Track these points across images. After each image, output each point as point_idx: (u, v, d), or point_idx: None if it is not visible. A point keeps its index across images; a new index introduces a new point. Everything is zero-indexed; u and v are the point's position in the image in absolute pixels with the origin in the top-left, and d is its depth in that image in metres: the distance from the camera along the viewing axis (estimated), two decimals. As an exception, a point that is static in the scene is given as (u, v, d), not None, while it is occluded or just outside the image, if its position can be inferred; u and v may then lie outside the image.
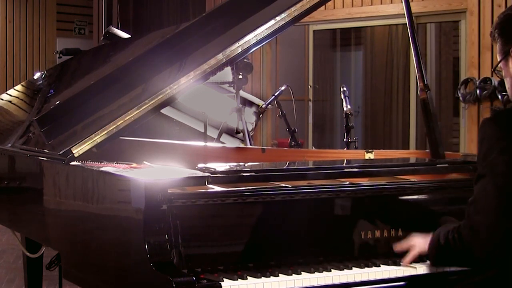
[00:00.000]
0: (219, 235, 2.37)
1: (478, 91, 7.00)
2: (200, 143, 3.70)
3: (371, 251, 2.50)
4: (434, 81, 8.63)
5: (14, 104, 4.18)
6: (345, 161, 3.25)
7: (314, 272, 2.31)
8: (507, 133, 2.01)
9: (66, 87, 3.86)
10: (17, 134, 3.52)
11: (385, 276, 2.37)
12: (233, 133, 4.36)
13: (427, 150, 3.14)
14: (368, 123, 9.75)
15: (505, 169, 1.98)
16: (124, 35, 4.55)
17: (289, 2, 2.74)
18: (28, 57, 11.63)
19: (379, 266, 2.40)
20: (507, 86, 2.19)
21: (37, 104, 3.81)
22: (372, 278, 2.35)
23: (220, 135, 4.23)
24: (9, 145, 3.51)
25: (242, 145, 4.18)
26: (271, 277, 2.25)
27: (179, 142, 3.76)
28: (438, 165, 2.82)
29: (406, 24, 3.07)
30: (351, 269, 2.35)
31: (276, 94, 4.57)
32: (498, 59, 2.19)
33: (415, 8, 7.47)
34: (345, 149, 4.37)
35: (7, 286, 5.68)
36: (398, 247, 2.44)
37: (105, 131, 2.67)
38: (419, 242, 2.38)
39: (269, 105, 4.57)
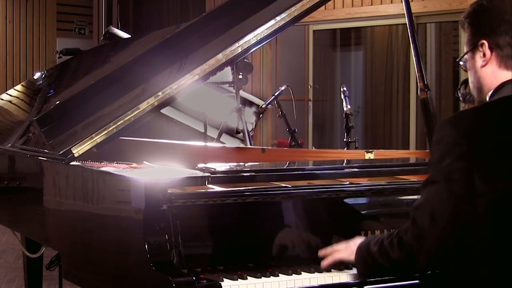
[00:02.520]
0: (219, 235, 2.37)
1: (478, 91, 6.99)
2: (200, 143, 3.70)
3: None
4: (434, 81, 8.63)
5: (14, 104, 4.18)
6: (345, 161, 3.25)
7: (314, 272, 2.31)
8: (467, 138, 1.88)
9: (66, 87, 3.86)
10: (17, 134, 3.52)
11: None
12: (233, 133, 4.36)
13: (427, 150, 3.14)
14: (368, 123, 9.75)
15: (462, 176, 1.86)
16: (124, 35, 4.55)
17: (289, 2, 2.74)
18: (28, 57, 11.63)
19: (379, 266, 2.40)
20: (470, 79, 2.07)
21: (37, 104, 3.81)
22: (372, 278, 2.35)
23: (220, 135, 4.23)
24: (9, 145, 3.51)
25: (242, 145, 4.17)
26: (271, 277, 2.25)
27: (179, 142, 3.75)
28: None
29: (406, 24, 3.07)
30: (351, 269, 2.34)
31: (276, 94, 4.57)
32: (465, 50, 2.06)
33: (415, 8, 7.47)
34: (345, 149, 4.37)
35: (7, 286, 5.68)
36: (322, 252, 2.33)
37: (105, 131, 2.67)
38: (344, 248, 2.28)
39: (269, 105, 4.56)
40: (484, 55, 2.00)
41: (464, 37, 2.11)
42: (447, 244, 1.94)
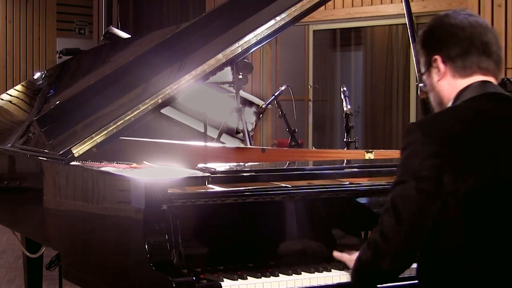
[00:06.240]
0: (219, 235, 2.37)
1: (478, 91, 6.99)
2: (200, 143, 3.70)
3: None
4: (434, 81, 8.62)
5: (14, 104, 4.18)
6: (345, 161, 3.25)
7: (314, 272, 2.31)
8: (434, 138, 1.93)
9: (66, 87, 3.86)
10: (17, 134, 3.52)
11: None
12: (233, 133, 4.36)
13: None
14: (368, 123, 9.75)
15: (431, 174, 1.90)
16: (124, 35, 4.55)
17: (289, 2, 2.74)
18: (28, 57, 11.62)
19: (379, 266, 2.40)
20: (431, 98, 2.16)
21: (37, 104, 3.82)
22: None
23: (220, 135, 4.23)
24: (9, 145, 3.51)
25: (242, 145, 4.17)
26: (271, 277, 2.25)
27: (179, 142, 3.76)
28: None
29: (406, 24, 3.08)
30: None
31: (276, 94, 4.57)
32: (422, 72, 2.16)
33: (415, 8, 7.46)
34: (345, 149, 4.37)
35: (7, 286, 5.68)
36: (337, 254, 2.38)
37: (105, 131, 2.67)
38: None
39: (269, 105, 4.56)
40: (439, 69, 2.09)
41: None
42: (413, 245, 1.95)
